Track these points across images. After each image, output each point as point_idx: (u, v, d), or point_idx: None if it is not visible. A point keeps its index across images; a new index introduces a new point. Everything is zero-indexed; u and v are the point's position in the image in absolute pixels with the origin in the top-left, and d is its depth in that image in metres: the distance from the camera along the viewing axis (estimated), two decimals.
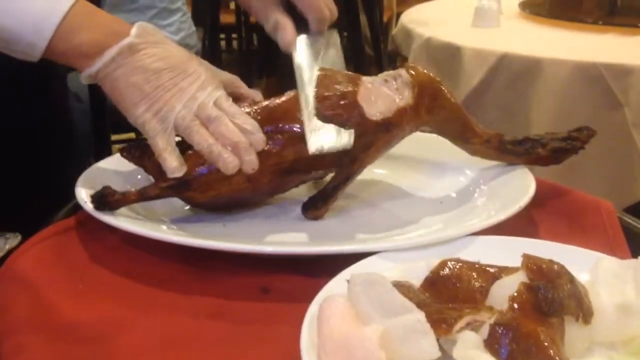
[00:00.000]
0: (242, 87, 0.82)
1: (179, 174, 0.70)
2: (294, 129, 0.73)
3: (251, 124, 0.70)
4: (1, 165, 0.96)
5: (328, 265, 0.62)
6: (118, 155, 0.82)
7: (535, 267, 0.53)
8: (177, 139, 0.71)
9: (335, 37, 0.79)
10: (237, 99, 0.78)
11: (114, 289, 0.66)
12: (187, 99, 0.69)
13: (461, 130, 0.79)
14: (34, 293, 0.65)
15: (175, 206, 0.79)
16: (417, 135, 0.84)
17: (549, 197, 0.79)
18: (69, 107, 1.30)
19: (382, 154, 0.77)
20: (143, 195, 0.72)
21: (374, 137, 0.73)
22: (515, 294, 0.51)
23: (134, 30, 0.70)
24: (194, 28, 2.21)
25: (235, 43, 3.99)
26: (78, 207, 0.75)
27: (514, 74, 1.69)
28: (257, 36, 3.89)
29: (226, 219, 0.77)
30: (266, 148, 0.71)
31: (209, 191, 0.72)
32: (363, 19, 2.33)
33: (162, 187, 0.72)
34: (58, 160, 1.07)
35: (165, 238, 0.68)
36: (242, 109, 0.73)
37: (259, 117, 0.73)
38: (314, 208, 0.76)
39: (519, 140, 0.80)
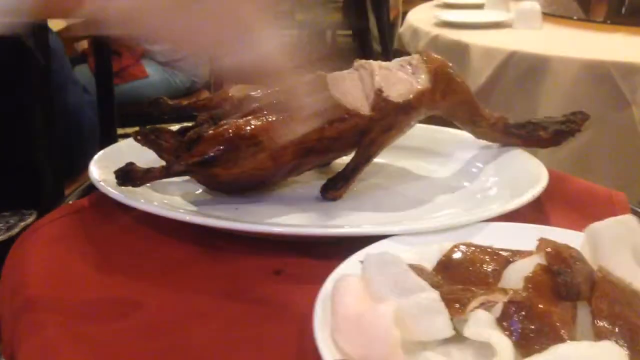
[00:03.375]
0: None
1: None
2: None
3: None
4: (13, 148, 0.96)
5: (341, 248, 0.62)
6: (130, 139, 0.82)
7: (553, 251, 0.53)
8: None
9: None
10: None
11: (128, 268, 0.66)
12: None
13: (471, 114, 0.83)
14: (48, 271, 0.65)
15: (189, 190, 0.79)
16: (428, 126, 0.85)
17: (561, 187, 0.80)
18: (76, 99, 1.31)
19: (400, 136, 0.79)
20: (168, 172, 0.73)
21: (394, 119, 0.76)
22: (531, 275, 0.51)
23: None
24: None
25: None
26: (91, 189, 0.75)
27: (521, 72, 1.69)
28: None
29: (239, 203, 0.77)
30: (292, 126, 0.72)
31: (234, 168, 0.72)
32: (371, 18, 2.34)
33: (188, 162, 0.72)
34: (68, 151, 1.07)
35: (179, 217, 0.68)
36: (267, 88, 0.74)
37: (284, 97, 0.73)
38: (334, 189, 0.77)
39: (522, 123, 0.84)
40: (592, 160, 1.60)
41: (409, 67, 0.79)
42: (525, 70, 1.69)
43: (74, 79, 1.53)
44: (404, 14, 3.83)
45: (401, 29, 2.23)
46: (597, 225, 0.56)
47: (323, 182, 0.79)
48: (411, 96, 0.76)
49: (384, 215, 0.75)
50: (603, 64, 1.58)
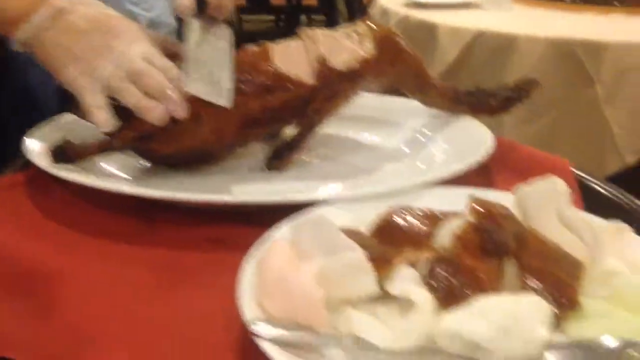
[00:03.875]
0: (176, 46, 0.81)
1: (107, 128, 0.69)
2: (261, 80, 0.73)
3: (179, 75, 0.71)
4: None
5: (281, 217, 0.61)
6: (68, 114, 0.80)
7: (483, 209, 0.52)
8: None
9: (228, 33, 0.78)
10: (173, 56, 0.76)
11: (63, 241, 0.65)
12: (117, 57, 0.69)
13: (419, 82, 0.82)
14: None
15: (129, 163, 0.78)
16: (377, 96, 0.85)
17: (508, 154, 0.79)
18: (38, 80, 1.28)
19: (345, 104, 0.78)
20: (104, 147, 0.72)
21: (338, 87, 0.75)
22: (460, 232, 0.50)
23: None
24: (168, 5, 2.18)
25: None
26: (27, 165, 0.74)
27: (489, 52, 1.69)
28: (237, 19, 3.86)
29: (182, 175, 0.76)
30: (235, 98, 0.71)
31: (173, 142, 0.71)
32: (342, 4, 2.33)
33: (125, 138, 0.71)
34: (21, 121, 1.04)
35: (115, 189, 0.67)
36: None
37: None
38: (279, 159, 0.77)
39: (471, 91, 0.84)
40: (557, 138, 1.60)
41: (355, 35, 0.78)
42: (492, 49, 1.68)
43: (35, 61, 1.50)
44: None
45: (371, 10, 2.22)
46: (524, 187, 0.56)
47: (268, 153, 0.78)
48: (356, 64, 0.75)
49: (329, 184, 0.74)
50: (568, 43, 1.58)
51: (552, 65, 1.61)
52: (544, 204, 0.53)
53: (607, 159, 1.56)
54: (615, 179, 1.06)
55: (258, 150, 0.81)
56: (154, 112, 0.68)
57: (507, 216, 0.52)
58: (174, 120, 0.69)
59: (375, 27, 0.79)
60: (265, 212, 0.66)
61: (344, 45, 0.77)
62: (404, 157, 0.82)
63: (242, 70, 0.74)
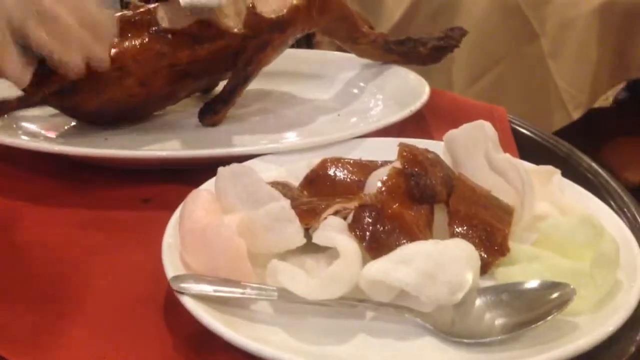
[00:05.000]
0: None
1: (24, 80, 0.60)
2: (187, 28, 0.70)
3: (96, 18, 0.63)
4: None
5: (212, 174, 0.60)
6: None
7: (410, 155, 0.51)
8: None
9: None
10: None
11: None
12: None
13: (349, 31, 0.81)
14: None
15: (56, 122, 0.74)
16: (310, 50, 0.83)
17: (445, 105, 0.78)
18: None
19: (276, 55, 0.76)
20: (24, 102, 0.68)
21: (269, 36, 0.72)
22: (386, 179, 0.49)
23: None
24: None
25: None
26: None
27: (434, 9, 1.67)
28: None
29: (109, 133, 0.72)
30: (159, 48, 0.68)
31: (99, 95, 0.68)
32: None
33: (45, 92, 0.67)
34: None
35: (39, 148, 0.64)
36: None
37: (151, 18, 0.69)
38: (212, 112, 0.74)
39: (401, 40, 0.83)
40: (504, 93, 1.61)
41: None
42: (437, 6, 1.67)
43: None
44: None
45: None
46: (453, 131, 0.55)
47: (199, 108, 0.75)
48: (285, 12, 0.72)
49: (264, 138, 0.72)
50: None
51: (496, 20, 1.60)
52: (473, 148, 0.52)
53: (554, 114, 1.57)
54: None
55: (191, 106, 0.79)
56: (68, 61, 0.61)
57: (435, 161, 0.51)
58: (98, 73, 0.65)
59: None
60: (199, 170, 0.64)
61: None
62: (338, 109, 0.80)
63: (170, 19, 0.70)
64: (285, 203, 0.47)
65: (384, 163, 0.56)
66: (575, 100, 1.55)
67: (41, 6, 0.60)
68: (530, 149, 0.71)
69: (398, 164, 0.50)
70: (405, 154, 0.51)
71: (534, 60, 1.57)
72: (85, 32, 0.62)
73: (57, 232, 0.58)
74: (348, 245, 0.43)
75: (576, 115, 1.54)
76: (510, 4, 1.57)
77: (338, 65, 0.89)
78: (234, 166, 0.51)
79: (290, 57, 0.82)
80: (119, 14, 0.71)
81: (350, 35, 0.82)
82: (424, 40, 0.85)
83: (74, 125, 0.75)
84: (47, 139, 0.70)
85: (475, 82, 1.61)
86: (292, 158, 0.62)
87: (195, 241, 0.46)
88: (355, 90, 0.84)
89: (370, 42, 0.83)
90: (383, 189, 0.48)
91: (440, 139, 0.69)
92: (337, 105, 0.82)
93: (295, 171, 0.59)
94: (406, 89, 0.78)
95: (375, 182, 0.51)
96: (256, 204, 0.49)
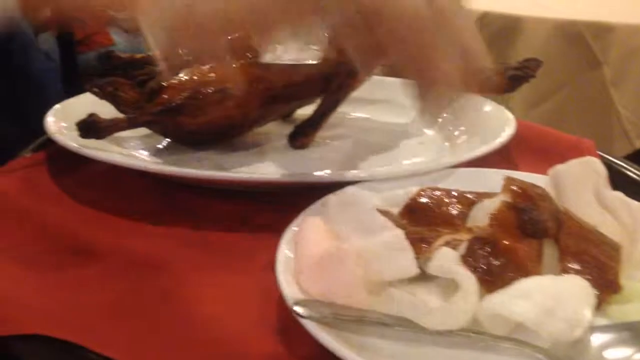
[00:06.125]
0: None
1: None
2: None
3: None
4: None
5: (308, 197, 0.61)
6: (87, 93, 0.79)
7: (518, 189, 0.52)
8: None
9: None
10: None
11: (86, 221, 0.64)
12: None
13: None
14: (2, 225, 0.63)
15: (150, 143, 0.77)
16: (385, 78, 0.87)
17: (528, 135, 0.79)
18: (39, 65, 1.26)
19: (365, 80, 0.78)
20: (133, 122, 0.70)
21: None
22: (496, 212, 0.50)
23: None
24: None
25: None
26: (46, 144, 0.73)
27: (494, 33, 1.68)
28: None
29: (203, 155, 0.75)
30: (257, 72, 0.71)
31: (201, 116, 0.70)
32: None
33: (153, 111, 0.70)
34: (27, 118, 1.03)
35: (141, 167, 0.66)
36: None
37: (250, 44, 0.71)
38: (302, 135, 0.76)
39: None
40: (563, 120, 1.61)
41: None
42: (497, 30, 1.68)
43: (35, 44, 1.49)
44: None
45: None
46: (560, 167, 0.56)
47: (287, 132, 0.77)
48: None
49: (352, 163, 0.74)
50: (575, 24, 1.58)
51: (558, 47, 1.60)
52: (581, 185, 0.53)
53: (615, 142, 1.56)
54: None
55: (275, 130, 0.81)
56: None
57: (543, 196, 0.52)
58: (200, 95, 0.69)
59: None
60: (290, 193, 0.66)
61: None
62: (419, 135, 0.81)
63: None
64: (399, 232, 0.48)
65: (484, 194, 0.57)
66: (637, 129, 1.55)
67: None
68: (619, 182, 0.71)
69: (507, 198, 0.51)
70: (514, 188, 0.51)
71: (596, 87, 1.57)
72: None
73: (159, 251, 0.60)
74: (468, 278, 0.44)
75: (639, 144, 1.53)
76: (573, 31, 1.57)
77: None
78: (344, 194, 0.53)
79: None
80: None
81: None
82: (501, 71, 0.85)
83: (166, 146, 0.77)
84: (144, 158, 0.73)
85: (535, 108, 1.62)
86: (388, 185, 0.63)
87: (313, 267, 0.48)
88: (439, 119, 0.84)
89: None
90: (494, 222, 0.49)
91: (526, 170, 0.70)
92: (420, 133, 0.83)
93: (392, 199, 0.60)
94: (488, 118, 0.79)
95: (482, 215, 0.52)
96: (368, 232, 0.50)
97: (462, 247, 0.48)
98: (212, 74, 0.69)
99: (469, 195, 0.57)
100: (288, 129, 0.79)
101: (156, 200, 0.67)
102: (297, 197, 0.63)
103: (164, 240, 0.61)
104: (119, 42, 2.34)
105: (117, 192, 0.69)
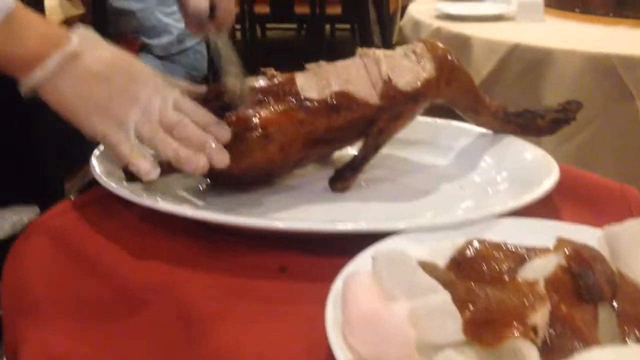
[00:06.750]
0: (196, 88, 0.79)
1: (154, 176, 0.67)
2: (328, 99, 0.73)
3: (213, 119, 0.69)
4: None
5: (348, 244, 0.61)
6: None
7: (573, 252, 0.51)
8: None
9: (227, 40, 0.80)
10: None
11: (130, 266, 0.64)
12: (144, 105, 0.67)
13: (473, 102, 0.83)
14: (50, 269, 0.63)
15: (191, 184, 0.77)
16: (424, 118, 0.86)
17: (570, 180, 0.77)
18: None
19: (407, 124, 0.78)
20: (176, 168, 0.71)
21: (403, 107, 0.76)
22: (551, 277, 0.49)
23: (74, 37, 0.66)
24: None
25: (238, 34, 3.97)
26: (92, 184, 0.73)
27: (524, 65, 1.67)
28: (260, 27, 3.86)
29: (243, 196, 0.75)
30: (300, 116, 0.71)
31: (244, 160, 0.71)
32: (372, 11, 2.32)
33: None
34: (68, 142, 1.04)
35: (181, 213, 0.66)
36: (275, 79, 0.74)
37: (292, 88, 0.72)
38: (343, 179, 0.77)
39: (520, 112, 0.85)
40: (596, 154, 1.59)
41: (413, 55, 0.78)
42: (528, 63, 1.66)
43: None
44: (404, 8, 3.82)
45: (402, 22, 2.21)
46: (615, 228, 0.55)
47: (325, 173, 0.78)
48: (419, 84, 0.75)
49: (392, 208, 0.73)
50: (607, 57, 1.56)
51: (590, 80, 1.59)
52: (637, 247, 0.52)
53: None
54: None
55: (313, 171, 0.81)
56: (194, 164, 0.67)
57: (598, 258, 0.51)
58: (243, 139, 0.69)
59: (432, 46, 0.79)
60: (332, 238, 0.66)
61: (405, 66, 0.77)
62: (458, 178, 0.81)
63: (310, 88, 0.73)
64: (447, 296, 0.48)
65: (533, 250, 0.56)
66: None
67: (167, 115, 0.67)
68: None
69: (561, 261, 0.50)
70: (568, 251, 0.51)
71: (628, 122, 1.55)
72: (205, 135, 0.68)
73: (197, 297, 0.60)
74: (529, 347, 0.43)
75: None
76: (605, 65, 1.55)
77: (451, 133, 0.90)
78: (391, 252, 0.52)
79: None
80: (260, 83, 0.74)
81: (472, 106, 0.84)
82: (541, 113, 0.86)
83: (207, 187, 0.77)
84: (182, 201, 0.73)
85: (565, 143, 1.60)
86: (432, 235, 0.63)
87: (363, 327, 0.47)
88: (474, 160, 0.84)
89: (491, 113, 0.85)
90: (550, 287, 0.48)
91: (570, 218, 0.70)
92: (456, 174, 0.82)
93: (438, 250, 0.59)
94: (530, 163, 0.78)
95: (533, 275, 0.51)
96: (417, 294, 0.49)
97: None
98: (256, 118, 0.70)
99: (517, 251, 0.57)
100: (327, 170, 0.80)
101: (198, 244, 0.67)
102: (339, 243, 0.63)
103: (208, 289, 0.61)
104: (151, 67, 2.36)
105: (159, 236, 0.69)
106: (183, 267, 0.64)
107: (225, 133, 0.69)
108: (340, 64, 0.77)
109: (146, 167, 0.67)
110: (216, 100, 0.75)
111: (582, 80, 1.59)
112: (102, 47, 0.68)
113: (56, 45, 0.65)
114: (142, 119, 0.66)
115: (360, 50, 0.79)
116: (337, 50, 4.60)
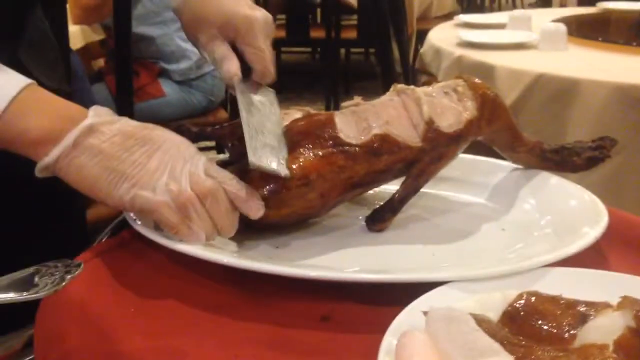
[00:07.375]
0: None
1: (211, 239, 0.67)
2: (369, 143, 0.71)
3: (245, 189, 0.67)
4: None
5: (392, 293, 0.59)
6: None
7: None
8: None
9: (273, 96, 0.78)
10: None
11: (164, 313, 0.62)
12: (170, 170, 0.64)
13: (511, 139, 0.82)
14: (82, 318, 0.61)
15: None
16: (471, 158, 0.85)
17: (617, 224, 0.75)
18: None
19: (447, 165, 0.77)
20: None
21: (445, 149, 0.74)
22: (620, 339, 0.47)
23: (90, 112, 0.65)
24: None
25: None
26: (122, 226, 0.72)
27: (549, 95, 1.65)
28: (275, 51, 3.86)
29: (279, 240, 0.73)
30: (340, 162, 0.69)
31: (283, 208, 0.69)
32: (393, 43, 2.30)
33: None
34: None
35: (216, 260, 0.64)
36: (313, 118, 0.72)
37: (331, 130, 0.71)
38: (382, 220, 0.75)
39: (556, 149, 0.84)
40: (622, 185, 1.56)
41: (454, 94, 0.76)
42: (553, 93, 1.64)
43: (94, 100, 1.50)
44: (418, 32, 3.82)
45: (422, 49, 2.20)
46: None
47: (360, 212, 0.77)
48: (461, 126, 0.73)
49: (435, 253, 0.71)
50: (634, 88, 1.54)
51: (616, 110, 1.57)
52: None
53: None
54: None
55: (349, 209, 0.80)
56: (208, 238, 0.66)
57: None
58: (283, 187, 0.67)
59: (473, 84, 0.77)
60: (375, 286, 0.63)
61: (445, 105, 0.75)
62: (498, 219, 0.79)
63: (349, 130, 0.71)
64: (508, 359, 0.45)
65: (591, 305, 0.54)
66: None
67: (203, 183, 0.65)
68: None
69: (626, 320, 0.48)
70: (633, 308, 0.48)
71: None
72: (234, 211, 0.67)
73: (232, 350, 0.57)
74: None
75: None
76: (633, 94, 1.53)
77: (484, 169, 0.88)
78: (446, 310, 0.50)
79: None
80: (297, 124, 0.72)
81: (511, 143, 0.83)
82: (578, 150, 0.84)
83: (244, 229, 0.75)
84: (221, 246, 0.70)
85: (591, 174, 1.57)
86: (479, 286, 0.60)
87: None
88: (512, 199, 0.82)
89: (528, 150, 0.83)
90: (619, 350, 0.46)
91: (620, 268, 0.67)
92: (494, 214, 0.80)
93: (489, 303, 0.57)
94: (575, 205, 0.76)
95: (597, 335, 0.49)
96: (473, 354, 0.47)
97: None
98: (296, 165, 0.68)
99: (575, 306, 0.54)
100: (361, 208, 0.78)
101: (233, 291, 0.65)
102: (384, 290, 0.61)
103: (243, 340, 0.59)
104: (170, 93, 2.36)
105: (192, 282, 0.67)
106: (218, 316, 0.62)
107: (257, 206, 0.67)
108: (379, 103, 0.75)
109: (195, 232, 0.65)
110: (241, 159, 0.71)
111: (609, 111, 1.57)
112: (119, 120, 0.66)
113: (71, 122, 0.63)
114: (171, 184, 0.63)
115: (397, 87, 0.77)
116: (351, 73, 4.62)
